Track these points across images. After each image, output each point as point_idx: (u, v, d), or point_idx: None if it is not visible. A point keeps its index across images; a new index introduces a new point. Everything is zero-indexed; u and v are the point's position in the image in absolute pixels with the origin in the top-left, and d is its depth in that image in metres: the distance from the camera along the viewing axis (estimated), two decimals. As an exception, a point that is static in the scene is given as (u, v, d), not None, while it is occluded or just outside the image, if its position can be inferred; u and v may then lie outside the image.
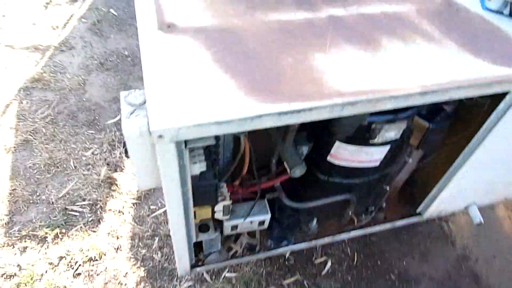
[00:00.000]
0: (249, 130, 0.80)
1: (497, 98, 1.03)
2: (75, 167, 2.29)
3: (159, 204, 2.17)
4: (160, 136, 0.73)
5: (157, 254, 1.99)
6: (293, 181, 1.22)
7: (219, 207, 1.11)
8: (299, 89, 0.83)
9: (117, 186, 2.23)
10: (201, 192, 0.98)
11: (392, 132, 1.08)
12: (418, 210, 1.48)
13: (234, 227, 1.24)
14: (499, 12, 1.16)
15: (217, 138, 0.87)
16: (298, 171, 1.09)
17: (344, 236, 1.46)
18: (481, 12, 1.17)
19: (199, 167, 0.92)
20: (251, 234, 1.37)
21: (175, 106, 0.77)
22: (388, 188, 1.31)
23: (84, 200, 2.16)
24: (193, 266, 1.26)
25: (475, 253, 2.12)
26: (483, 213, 1.64)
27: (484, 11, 1.18)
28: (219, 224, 1.25)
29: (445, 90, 0.89)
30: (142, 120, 0.80)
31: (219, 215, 1.14)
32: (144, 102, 0.88)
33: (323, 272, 2.00)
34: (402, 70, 0.91)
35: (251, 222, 1.24)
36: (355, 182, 1.24)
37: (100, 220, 2.09)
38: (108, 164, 2.31)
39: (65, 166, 2.29)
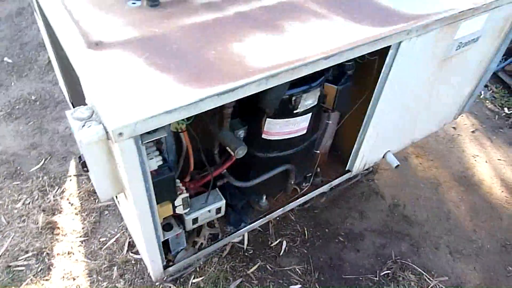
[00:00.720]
0: (193, 115, 0.91)
1: (383, 54, 1.28)
2: (8, 222, 2.16)
3: (109, 235, 2.15)
4: (120, 134, 0.81)
5: (120, 282, 1.98)
6: (238, 165, 1.35)
7: (178, 201, 1.19)
8: (228, 72, 0.97)
9: (59, 229, 2.15)
10: (161, 187, 1.05)
11: (310, 100, 1.26)
12: (347, 167, 1.70)
13: (195, 220, 1.33)
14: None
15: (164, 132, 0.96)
16: (241, 151, 1.22)
17: (292, 205, 1.62)
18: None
19: (155, 162, 1.00)
20: (211, 225, 1.46)
21: (125, 106, 0.86)
22: (318, 152, 1.50)
23: (27, 252, 2.05)
24: (165, 267, 1.31)
25: (402, 200, 2.43)
26: (400, 166, 1.91)
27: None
28: (180, 221, 1.33)
29: (342, 52, 1.09)
30: (96, 127, 0.87)
31: (179, 209, 1.22)
32: (91, 115, 0.94)
33: (281, 252, 2.15)
34: (305, 44, 1.10)
35: (209, 211, 1.34)
36: (290, 152, 1.40)
37: (50, 267, 2.01)
38: (44, 211, 2.22)
39: (-4, 224, 2.15)
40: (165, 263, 1.30)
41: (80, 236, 2.13)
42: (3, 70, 3.06)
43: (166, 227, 1.27)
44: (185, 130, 1.20)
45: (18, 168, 2.43)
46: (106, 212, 2.25)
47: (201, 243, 1.42)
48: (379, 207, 2.40)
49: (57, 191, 2.32)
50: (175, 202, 1.19)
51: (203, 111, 0.91)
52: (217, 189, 1.39)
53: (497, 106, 3.25)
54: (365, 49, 1.14)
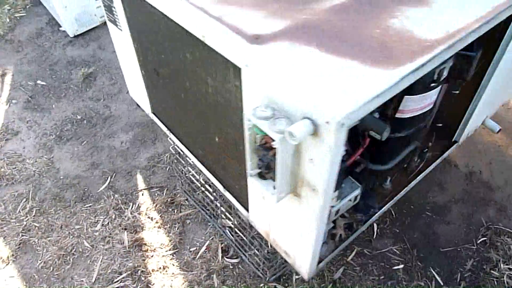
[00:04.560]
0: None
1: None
2: (92, 245, 2.10)
3: (197, 244, 2.10)
4: (342, 125, 0.77)
5: (223, 289, 1.93)
6: (371, 151, 1.31)
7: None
8: (407, 49, 0.92)
9: (146, 245, 2.10)
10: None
11: (446, 71, 1.22)
12: (454, 138, 1.67)
13: (337, 212, 1.29)
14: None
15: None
16: (386, 133, 1.17)
17: (412, 184, 1.59)
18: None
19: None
20: (342, 214, 1.42)
21: (331, 95, 0.80)
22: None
23: (120, 273, 2.00)
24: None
25: (476, 167, 2.42)
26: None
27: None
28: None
29: (493, 18, 1.05)
30: (304, 122, 0.81)
31: (333, 202, 1.18)
32: (273, 112, 0.89)
33: (375, 236, 2.12)
34: (457, 13, 1.05)
35: (350, 200, 1.30)
36: (417, 129, 1.36)
37: (149, 285, 1.96)
38: (126, 229, 2.16)
39: (81, 250, 2.09)
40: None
41: (170, 249, 2.08)
42: (40, 94, 2.96)
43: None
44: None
45: (86, 190, 2.35)
46: (188, 221, 2.20)
47: (340, 234, 1.39)
48: (456, 177, 2.38)
49: (132, 207, 2.25)
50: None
51: (396, 93, 0.86)
52: (349, 176, 1.35)
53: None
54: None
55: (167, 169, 2.44)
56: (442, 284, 1.94)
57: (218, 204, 1.97)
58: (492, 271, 1.97)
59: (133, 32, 1.50)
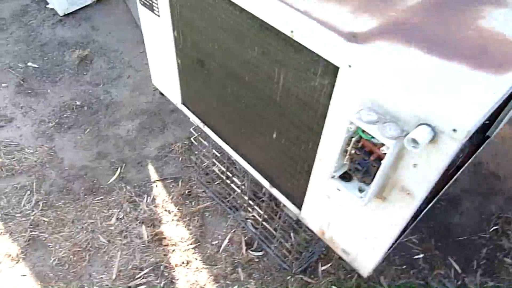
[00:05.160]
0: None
1: None
2: (109, 240, 2.01)
3: (219, 237, 2.06)
4: (469, 132, 0.75)
5: (250, 283, 1.91)
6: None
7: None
8: (509, 51, 0.91)
9: (166, 239, 2.03)
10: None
11: None
12: (488, 133, 1.71)
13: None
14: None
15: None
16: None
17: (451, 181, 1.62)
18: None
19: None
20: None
21: (453, 101, 0.78)
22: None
23: (142, 269, 1.92)
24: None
25: (482, 158, 2.50)
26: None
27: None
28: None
29: None
30: (424, 129, 0.79)
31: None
32: (379, 116, 0.86)
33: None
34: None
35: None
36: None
37: (173, 280, 1.90)
38: (143, 222, 2.07)
39: (97, 245, 1.99)
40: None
41: (191, 243, 2.02)
42: (32, 77, 2.75)
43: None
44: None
45: (95, 181, 2.23)
46: (207, 213, 2.14)
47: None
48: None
49: (147, 200, 2.17)
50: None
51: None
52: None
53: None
54: None
55: (180, 159, 2.35)
56: (460, 272, 2.01)
57: (246, 197, 1.93)
58: (505, 259, 2.07)
59: (175, 19, 1.40)
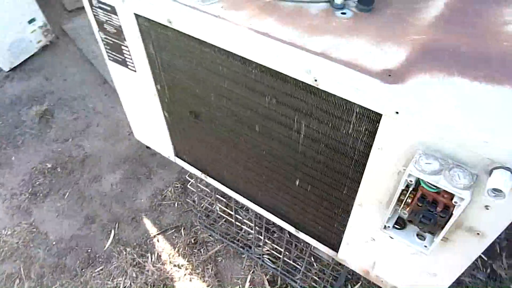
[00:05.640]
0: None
1: None
2: (122, 315, 1.82)
3: (239, 281, 1.91)
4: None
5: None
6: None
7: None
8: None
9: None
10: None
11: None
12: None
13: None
14: None
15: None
16: None
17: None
18: None
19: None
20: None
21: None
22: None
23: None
24: None
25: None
26: None
27: None
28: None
29: None
30: (504, 174, 0.68)
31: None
32: (440, 164, 0.75)
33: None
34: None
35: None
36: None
37: None
38: (154, 285, 1.89)
39: (109, 323, 1.79)
40: None
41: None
42: (-10, 146, 2.48)
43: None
44: None
45: (89, 250, 2.03)
46: (220, 258, 1.99)
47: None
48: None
49: (152, 258, 1.99)
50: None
51: None
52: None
53: None
54: None
55: (176, 205, 2.18)
56: (486, 259, 1.98)
57: (255, 233, 1.79)
58: (525, 236, 2.05)
59: (157, 73, 1.23)
